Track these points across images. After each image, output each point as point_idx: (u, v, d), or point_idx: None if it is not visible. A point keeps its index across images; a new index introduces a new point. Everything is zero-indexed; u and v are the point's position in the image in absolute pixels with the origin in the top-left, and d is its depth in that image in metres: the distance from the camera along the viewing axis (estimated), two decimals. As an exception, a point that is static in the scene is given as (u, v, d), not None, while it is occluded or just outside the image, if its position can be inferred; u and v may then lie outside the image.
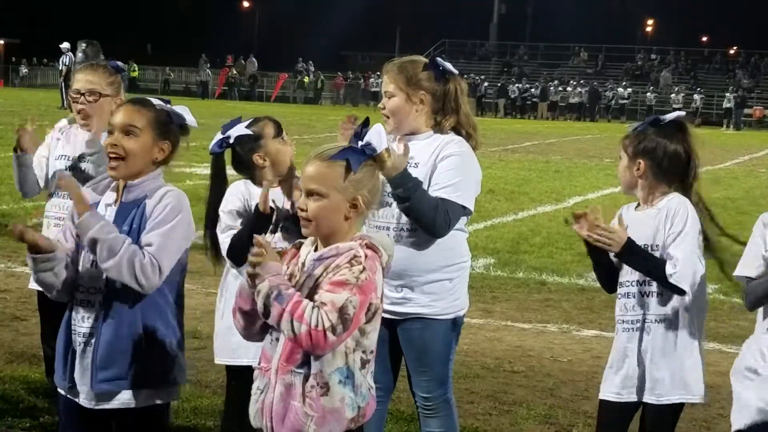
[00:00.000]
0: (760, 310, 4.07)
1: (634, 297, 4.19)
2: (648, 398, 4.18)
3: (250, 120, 4.53)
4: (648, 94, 50.77)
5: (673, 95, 49.34)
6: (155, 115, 3.70)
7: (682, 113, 4.44)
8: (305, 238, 3.29)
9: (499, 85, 52.67)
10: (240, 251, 4.33)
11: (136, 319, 3.59)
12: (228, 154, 4.53)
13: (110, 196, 3.71)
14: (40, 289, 4.83)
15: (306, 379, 3.12)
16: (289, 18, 69.93)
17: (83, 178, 4.98)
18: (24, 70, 59.88)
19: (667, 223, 4.14)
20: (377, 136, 3.21)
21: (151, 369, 3.61)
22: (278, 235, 4.36)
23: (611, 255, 4.19)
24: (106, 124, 4.94)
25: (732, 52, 60.87)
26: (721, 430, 5.91)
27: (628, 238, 4.09)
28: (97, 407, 3.62)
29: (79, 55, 10.46)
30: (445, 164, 4.26)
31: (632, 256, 4.11)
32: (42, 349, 5.63)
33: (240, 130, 4.45)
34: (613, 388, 4.24)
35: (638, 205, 4.31)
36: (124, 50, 51.99)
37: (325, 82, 56.11)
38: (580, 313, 8.54)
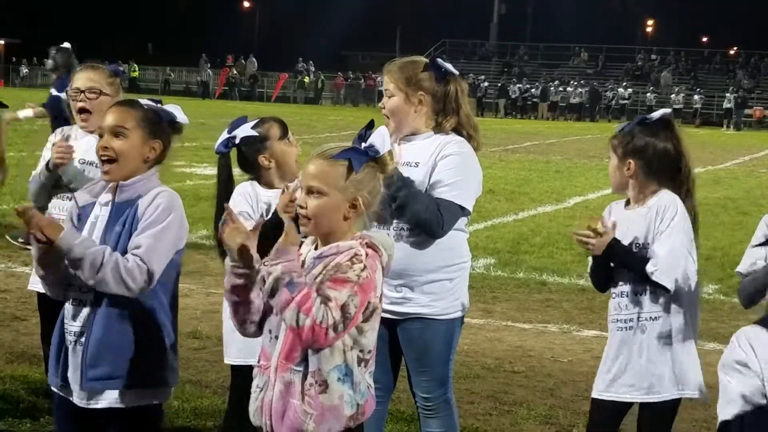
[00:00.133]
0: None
1: (627, 296, 4.20)
2: (646, 398, 4.19)
3: (256, 120, 4.53)
4: (648, 94, 50.77)
5: (673, 95, 49.35)
6: (143, 115, 3.71)
7: (669, 111, 4.45)
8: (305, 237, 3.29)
9: (499, 85, 52.67)
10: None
11: (127, 319, 3.60)
12: (233, 153, 4.53)
13: (105, 197, 3.72)
14: (40, 289, 4.85)
15: (305, 376, 3.12)
16: (289, 18, 69.94)
17: (70, 188, 4.94)
18: (24, 70, 59.88)
19: (657, 220, 4.15)
20: (380, 139, 3.21)
21: (140, 369, 3.61)
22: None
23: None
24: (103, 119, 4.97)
25: (732, 52, 60.88)
26: (721, 430, 5.90)
27: (613, 239, 4.10)
28: (88, 406, 3.63)
29: (49, 62, 10.38)
30: (444, 164, 4.26)
31: (615, 256, 4.14)
32: (42, 349, 5.63)
33: (246, 131, 4.45)
34: (607, 387, 4.24)
35: (628, 202, 4.31)
36: (125, 50, 52.18)
37: (325, 82, 56.13)
38: (580, 314, 8.54)
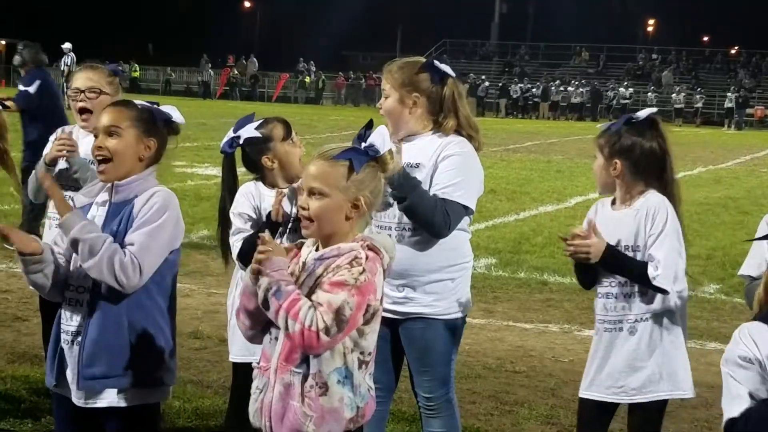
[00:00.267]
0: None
1: (616, 297, 4.18)
2: (635, 398, 4.18)
3: (260, 121, 4.53)
4: (649, 94, 50.78)
5: (674, 95, 49.35)
6: (137, 114, 3.73)
7: (654, 110, 4.43)
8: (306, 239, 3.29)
9: (500, 84, 52.67)
10: (249, 254, 4.34)
11: (122, 319, 3.60)
12: (239, 153, 4.55)
13: (102, 197, 3.74)
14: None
15: (305, 378, 3.12)
16: (290, 18, 69.94)
17: (75, 179, 4.96)
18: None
19: (647, 223, 4.13)
20: (380, 138, 3.21)
21: (136, 369, 3.62)
22: (284, 237, 4.37)
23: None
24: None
25: (733, 52, 60.87)
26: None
27: (607, 244, 4.09)
28: (86, 405, 3.65)
29: (17, 58, 10.43)
30: (445, 164, 4.26)
31: (613, 262, 4.12)
32: (43, 350, 5.63)
33: (249, 131, 4.46)
34: (596, 387, 4.23)
35: (613, 202, 4.29)
36: (126, 50, 52.19)
37: (326, 82, 56.13)
38: (581, 313, 8.54)
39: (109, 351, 3.59)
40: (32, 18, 66.00)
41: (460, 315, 4.41)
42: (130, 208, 3.63)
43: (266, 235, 3.11)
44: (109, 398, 3.63)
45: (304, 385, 3.11)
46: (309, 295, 3.09)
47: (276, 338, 3.20)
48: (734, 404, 2.85)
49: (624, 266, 4.12)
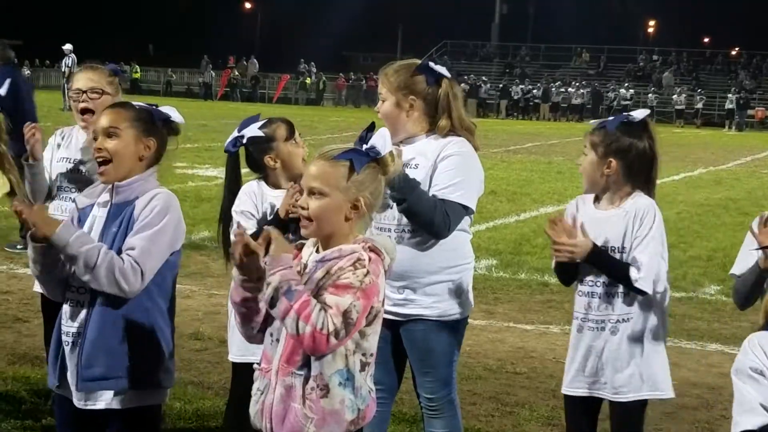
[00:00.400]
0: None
1: (600, 297, 4.19)
2: (616, 397, 4.21)
3: (264, 121, 4.55)
4: (650, 95, 50.77)
5: (675, 96, 49.34)
6: (135, 114, 3.73)
7: (647, 111, 4.43)
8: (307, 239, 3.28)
9: (500, 86, 52.66)
10: None
11: (122, 321, 3.60)
12: (243, 153, 4.56)
13: (103, 198, 3.74)
14: (42, 291, 4.85)
15: (306, 380, 3.11)
16: (290, 19, 69.98)
17: (83, 180, 4.99)
18: (26, 71, 59.89)
19: (635, 225, 4.13)
20: (382, 140, 3.21)
21: (135, 371, 3.61)
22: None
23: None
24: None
25: (734, 53, 60.85)
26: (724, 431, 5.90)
27: (593, 244, 4.09)
28: (86, 407, 3.65)
29: None
30: (445, 164, 4.26)
31: (597, 263, 4.12)
32: (45, 351, 5.62)
33: (253, 131, 4.48)
34: (579, 384, 4.25)
35: (596, 200, 4.28)
36: (126, 51, 52.21)
37: (327, 84, 56.12)
38: (582, 315, 8.52)
39: (109, 352, 3.59)
40: (34, 19, 66.07)
41: (461, 316, 4.40)
42: (131, 210, 3.63)
43: (273, 230, 3.09)
44: (108, 400, 3.63)
45: (305, 387, 3.11)
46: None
47: (277, 340, 3.19)
48: (748, 416, 2.85)
49: (608, 267, 4.13)
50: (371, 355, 3.20)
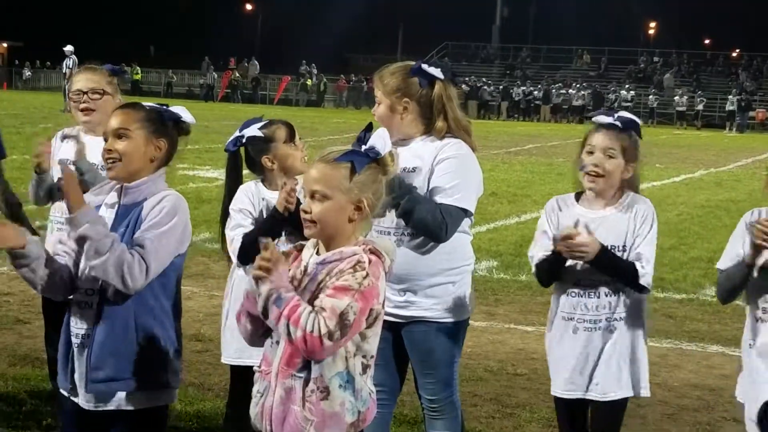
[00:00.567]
0: None
1: (597, 296, 4.20)
2: (605, 397, 4.22)
3: (265, 122, 4.56)
4: (650, 96, 50.79)
5: (677, 98, 49.35)
6: (145, 115, 3.72)
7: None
8: (306, 240, 3.28)
9: (501, 87, 52.67)
10: (250, 250, 4.36)
11: (130, 322, 3.59)
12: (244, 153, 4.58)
13: (112, 198, 3.73)
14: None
15: (306, 383, 3.11)
16: (291, 20, 69.98)
17: (83, 182, 4.98)
18: (27, 73, 59.96)
19: (637, 223, 4.18)
20: (381, 140, 3.22)
21: (143, 372, 3.61)
22: (282, 239, 4.38)
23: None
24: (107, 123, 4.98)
25: (734, 54, 60.85)
26: (724, 433, 5.90)
27: (601, 245, 4.09)
28: (94, 409, 3.64)
29: None
30: (442, 167, 4.25)
31: (606, 263, 4.12)
32: (46, 352, 5.63)
33: (253, 131, 4.51)
34: (573, 386, 4.25)
35: (578, 199, 4.29)
36: (127, 53, 52.25)
37: (327, 85, 56.13)
38: (583, 316, 8.52)
39: (116, 354, 3.58)
40: (34, 21, 66.09)
41: (462, 317, 4.40)
42: (138, 211, 3.62)
43: (268, 241, 3.10)
44: (115, 401, 3.62)
45: (305, 390, 3.11)
46: (312, 300, 3.09)
47: (277, 342, 3.19)
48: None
49: (617, 266, 4.14)
50: (372, 357, 3.20)
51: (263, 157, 4.50)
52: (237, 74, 55.71)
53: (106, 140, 3.71)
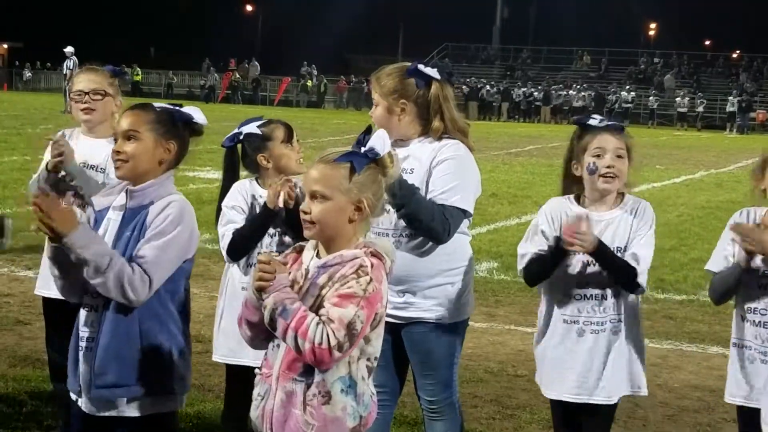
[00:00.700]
0: None
1: (598, 298, 4.20)
2: (609, 399, 4.23)
3: (264, 121, 4.57)
4: (651, 98, 50.77)
5: (678, 99, 49.33)
6: (155, 117, 3.69)
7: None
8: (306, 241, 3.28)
9: (501, 88, 52.66)
10: (240, 247, 4.39)
11: (134, 327, 3.56)
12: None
13: (119, 200, 3.70)
14: (45, 294, 4.85)
15: (308, 387, 3.10)
16: (291, 21, 69.96)
17: (73, 187, 4.93)
18: (27, 74, 59.93)
19: (637, 221, 4.21)
20: (380, 141, 3.22)
21: (147, 378, 3.58)
22: (276, 239, 4.40)
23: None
24: (108, 124, 4.99)
25: (735, 56, 60.83)
26: (724, 434, 5.90)
27: (599, 240, 4.09)
28: (98, 414, 3.61)
29: None
30: (440, 169, 4.25)
31: (602, 255, 4.11)
32: (46, 353, 5.62)
33: (251, 128, 4.51)
34: (580, 390, 4.24)
35: (577, 200, 4.32)
36: (127, 54, 52.23)
37: (328, 86, 56.11)
38: (583, 317, 8.52)
39: (120, 359, 3.55)
40: (35, 22, 66.09)
41: (461, 318, 4.40)
42: (144, 215, 3.59)
43: (266, 255, 3.09)
44: (119, 408, 3.59)
45: (307, 394, 3.10)
46: (314, 304, 3.08)
47: (278, 345, 3.18)
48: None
49: (613, 262, 4.14)
50: (375, 359, 3.19)
51: (259, 156, 4.51)
52: (237, 75, 55.68)
53: (115, 141, 3.70)
